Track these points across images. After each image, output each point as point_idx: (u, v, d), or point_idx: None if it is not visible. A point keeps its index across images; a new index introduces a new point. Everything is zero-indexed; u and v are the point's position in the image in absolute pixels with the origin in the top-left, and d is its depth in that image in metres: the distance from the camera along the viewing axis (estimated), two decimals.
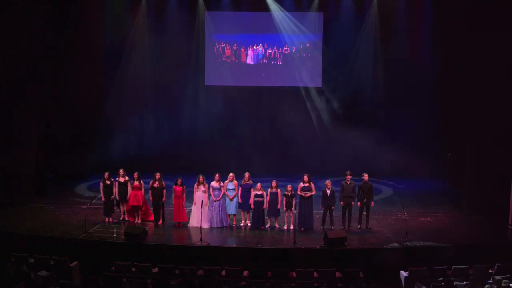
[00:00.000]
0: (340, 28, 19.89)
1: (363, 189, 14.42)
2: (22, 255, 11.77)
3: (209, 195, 14.55)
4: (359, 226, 14.55)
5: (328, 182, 14.49)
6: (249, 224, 14.68)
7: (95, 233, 13.93)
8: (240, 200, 14.66)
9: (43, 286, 10.07)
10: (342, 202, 14.46)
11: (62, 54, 18.48)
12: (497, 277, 10.76)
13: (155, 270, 11.78)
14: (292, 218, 14.41)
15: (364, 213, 14.59)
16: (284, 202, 14.32)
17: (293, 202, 14.23)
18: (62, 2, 18.49)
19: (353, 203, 14.49)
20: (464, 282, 10.67)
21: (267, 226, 14.59)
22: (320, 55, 20.11)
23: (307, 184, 14.36)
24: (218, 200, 14.54)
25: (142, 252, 12.95)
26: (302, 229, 14.34)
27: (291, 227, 14.30)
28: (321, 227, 14.44)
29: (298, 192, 14.39)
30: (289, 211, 14.38)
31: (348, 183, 14.43)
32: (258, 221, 14.51)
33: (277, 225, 14.62)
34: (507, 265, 11.57)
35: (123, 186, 14.87)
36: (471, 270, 11.62)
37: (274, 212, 14.50)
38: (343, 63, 20.05)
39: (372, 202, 14.52)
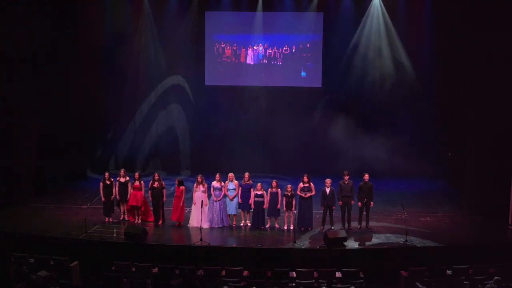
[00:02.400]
0: (340, 28, 19.86)
1: (363, 189, 14.43)
2: (22, 255, 11.78)
3: (209, 195, 14.57)
4: (359, 226, 14.56)
5: (327, 181, 14.49)
6: (249, 224, 14.70)
7: (95, 233, 13.93)
8: (240, 200, 14.67)
9: (43, 286, 10.07)
10: (340, 202, 14.49)
11: (62, 53, 18.45)
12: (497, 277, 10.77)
13: (155, 270, 11.79)
14: (292, 218, 14.41)
15: (364, 213, 14.61)
16: (284, 202, 14.32)
17: (293, 202, 14.24)
18: (62, 2, 18.46)
19: (352, 202, 14.51)
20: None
21: (267, 226, 14.61)
22: (320, 55, 20.09)
23: (306, 185, 14.39)
24: (218, 200, 14.54)
25: (142, 252, 12.95)
26: (302, 229, 14.35)
27: (291, 227, 14.32)
28: (321, 227, 14.47)
29: (298, 193, 14.40)
30: (289, 211, 14.39)
31: (346, 182, 14.45)
32: (258, 221, 14.52)
33: (277, 225, 14.63)
34: (507, 265, 11.58)
35: (123, 187, 14.88)
36: (471, 270, 11.63)
37: (274, 212, 14.50)
38: (343, 63, 20.01)
39: (372, 202, 14.54)
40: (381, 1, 19.62)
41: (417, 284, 11.23)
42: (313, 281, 11.42)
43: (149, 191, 14.88)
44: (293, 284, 11.30)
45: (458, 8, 17.35)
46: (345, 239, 13.20)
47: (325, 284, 10.47)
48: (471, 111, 15.94)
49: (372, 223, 14.74)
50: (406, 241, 13.38)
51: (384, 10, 19.63)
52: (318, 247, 13.11)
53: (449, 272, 11.60)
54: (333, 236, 13.10)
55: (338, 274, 11.73)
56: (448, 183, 18.81)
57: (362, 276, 11.66)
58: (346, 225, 14.50)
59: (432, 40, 19.40)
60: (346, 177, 14.48)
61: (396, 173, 19.67)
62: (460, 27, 16.95)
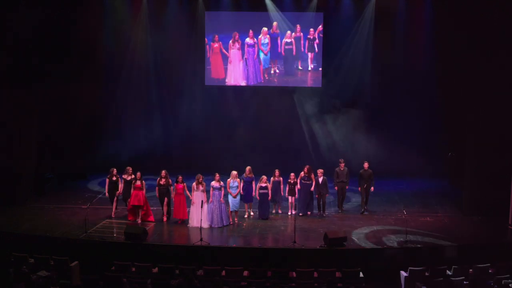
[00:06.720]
0: (340, 28, 19.81)
1: (364, 176, 15.52)
2: (22, 255, 11.78)
3: (208, 195, 14.58)
4: (362, 210, 15.69)
5: (319, 171, 15.50)
6: (252, 214, 15.37)
7: (95, 233, 13.94)
8: (242, 192, 15.01)
9: (43, 286, 10.07)
10: (336, 187, 15.52)
11: (62, 54, 18.43)
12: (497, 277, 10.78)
13: (155, 270, 11.79)
14: (294, 204, 15.30)
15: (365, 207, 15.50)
16: (287, 188, 15.31)
17: (296, 189, 15.24)
18: (62, 3, 18.43)
19: (347, 187, 15.80)
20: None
21: (273, 211, 15.47)
22: (320, 55, 20.07)
23: (307, 175, 15.34)
24: (222, 202, 14.63)
25: (142, 252, 12.96)
26: (300, 214, 15.21)
27: (293, 212, 15.33)
28: (318, 212, 15.58)
29: (298, 180, 15.34)
30: (292, 197, 15.32)
31: (342, 169, 15.68)
32: (263, 212, 15.17)
33: (280, 211, 15.55)
34: (507, 265, 11.58)
35: (128, 184, 15.00)
36: (471, 270, 11.63)
37: (278, 198, 15.38)
38: (343, 63, 19.98)
39: (372, 188, 15.57)
40: (380, 2, 19.55)
41: (417, 284, 11.23)
42: (313, 281, 11.42)
43: (156, 188, 15.15)
44: (293, 284, 11.30)
45: (458, 9, 17.33)
46: (345, 239, 13.22)
47: (325, 284, 10.47)
48: (471, 110, 15.93)
49: (372, 223, 14.94)
50: (406, 241, 13.38)
51: (384, 10, 19.52)
52: (318, 247, 13.13)
53: (449, 272, 11.61)
54: (333, 236, 13.12)
55: (338, 274, 11.73)
56: (448, 183, 18.80)
57: (362, 276, 11.67)
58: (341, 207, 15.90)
59: (432, 40, 19.37)
60: (342, 164, 15.73)
61: (396, 173, 19.67)
62: (460, 27, 16.94)
